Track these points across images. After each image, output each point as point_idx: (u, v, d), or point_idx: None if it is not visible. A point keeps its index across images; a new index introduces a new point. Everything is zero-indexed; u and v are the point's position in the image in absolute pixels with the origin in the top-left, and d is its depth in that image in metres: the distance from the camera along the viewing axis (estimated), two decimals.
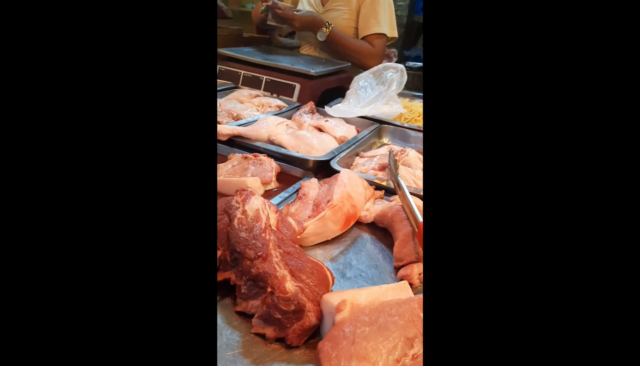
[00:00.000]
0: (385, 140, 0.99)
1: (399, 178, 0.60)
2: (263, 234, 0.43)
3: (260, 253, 0.40)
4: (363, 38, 1.39)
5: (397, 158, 0.73)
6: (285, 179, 0.71)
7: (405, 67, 1.10)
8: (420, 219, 0.49)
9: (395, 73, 1.08)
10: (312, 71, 1.09)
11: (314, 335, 0.38)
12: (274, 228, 0.47)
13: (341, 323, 0.34)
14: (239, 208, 0.46)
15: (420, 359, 0.32)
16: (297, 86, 1.10)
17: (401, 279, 0.48)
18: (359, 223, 0.60)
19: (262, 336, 0.37)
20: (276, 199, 0.60)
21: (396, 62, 1.52)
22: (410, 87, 1.27)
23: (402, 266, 0.49)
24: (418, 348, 0.33)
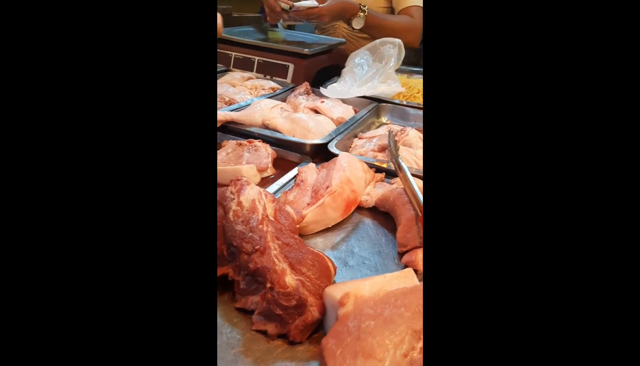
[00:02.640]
0: (384, 119, 0.96)
1: (400, 160, 0.57)
2: (260, 226, 0.41)
3: (257, 247, 0.38)
4: (400, 13, 1.19)
5: (397, 139, 0.70)
6: (282, 165, 0.68)
7: None
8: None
9: (392, 48, 1.03)
10: (306, 50, 1.05)
11: (317, 329, 0.37)
12: (272, 218, 0.45)
13: (345, 318, 0.33)
14: (233, 199, 0.44)
15: None
16: (291, 66, 1.06)
17: (405, 266, 0.46)
18: (359, 208, 0.58)
19: (264, 333, 0.36)
20: (273, 187, 0.58)
21: None
22: (407, 62, 1.22)
23: (406, 251, 0.48)
24: None
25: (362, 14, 1.07)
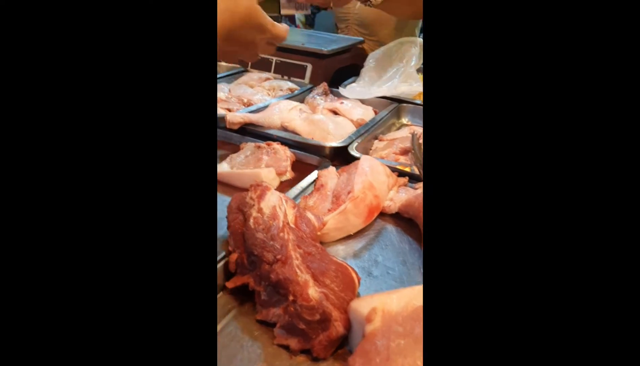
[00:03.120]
0: (404, 120, 0.93)
1: None
2: (281, 234, 0.40)
3: (279, 256, 0.37)
4: None
5: (420, 141, 0.68)
6: (300, 168, 0.67)
7: None
8: None
9: (414, 47, 1.00)
10: (324, 49, 1.03)
11: (342, 344, 0.35)
12: (292, 225, 0.43)
13: (372, 336, 0.31)
14: (254, 205, 0.43)
15: None
16: (309, 67, 1.04)
17: None
18: (382, 214, 0.56)
19: (286, 347, 0.34)
20: (293, 191, 0.57)
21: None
22: None
23: None
24: None
25: None
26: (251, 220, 0.41)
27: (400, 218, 0.55)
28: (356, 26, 1.32)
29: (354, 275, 0.39)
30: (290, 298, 0.34)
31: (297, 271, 0.36)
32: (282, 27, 0.61)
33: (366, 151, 0.73)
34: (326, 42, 1.14)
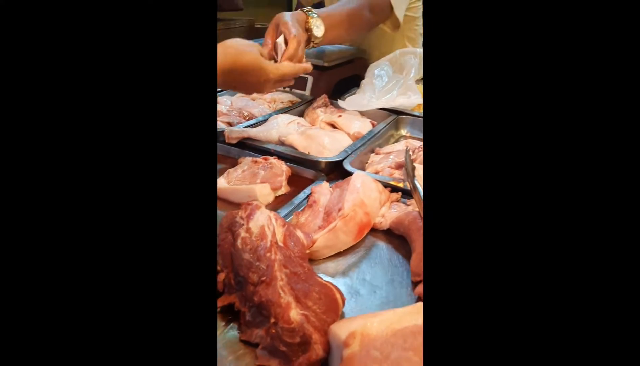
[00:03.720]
0: (403, 132, 0.94)
1: (415, 181, 0.55)
2: (268, 254, 0.41)
3: (263, 278, 0.38)
4: None
5: (414, 156, 0.68)
6: (297, 182, 0.68)
7: None
8: None
9: (414, 58, 1.01)
10: (325, 62, 1.04)
11: None
12: (281, 244, 0.44)
13: (349, 361, 0.31)
14: (243, 225, 0.44)
15: None
16: (310, 79, 1.05)
17: (419, 296, 0.44)
18: (374, 230, 0.56)
19: None
20: (285, 208, 0.58)
21: None
22: None
23: (420, 281, 0.46)
24: None
25: (312, 16, 0.75)
26: (239, 240, 0.42)
27: (392, 234, 0.56)
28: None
29: (338, 296, 0.40)
30: (272, 320, 0.35)
31: (281, 292, 0.37)
32: (288, 67, 0.64)
33: (362, 165, 0.74)
34: (328, 54, 1.15)
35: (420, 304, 0.39)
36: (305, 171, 0.71)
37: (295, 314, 0.35)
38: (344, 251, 0.52)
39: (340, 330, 0.34)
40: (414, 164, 0.58)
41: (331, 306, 0.38)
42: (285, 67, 0.67)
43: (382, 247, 0.54)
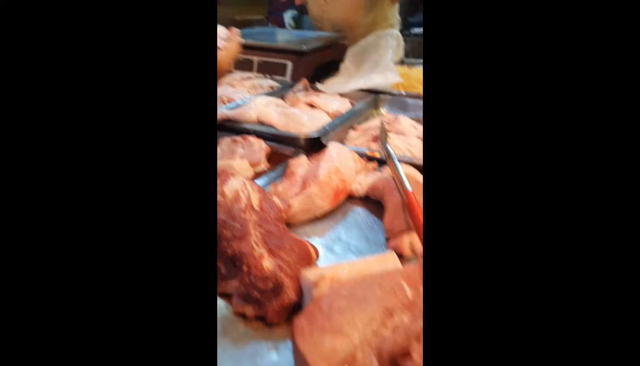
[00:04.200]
0: (382, 111, 0.95)
1: (388, 146, 0.57)
2: (243, 215, 0.42)
3: (237, 233, 0.39)
4: None
5: (388, 127, 0.70)
6: (276, 160, 0.69)
7: (410, 34, 1.04)
8: (408, 187, 0.47)
9: (390, 40, 1.03)
10: (304, 46, 1.06)
11: (296, 310, 0.37)
12: (257, 208, 0.46)
13: (318, 299, 0.33)
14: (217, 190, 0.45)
15: (401, 329, 0.30)
16: (289, 64, 1.07)
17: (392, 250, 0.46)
18: (352, 197, 0.58)
19: (243, 315, 0.36)
20: (263, 180, 0.59)
21: (400, 30, 1.41)
22: (416, 54, 1.20)
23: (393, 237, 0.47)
24: (398, 319, 0.31)
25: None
26: None
27: (369, 201, 0.57)
28: (330, 29, 1.35)
29: (311, 249, 0.41)
30: (245, 269, 0.36)
31: (254, 246, 0.38)
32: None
33: (341, 141, 0.75)
34: (308, 40, 1.17)
35: (389, 253, 0.41)
36: (284, 148, 0.72)
37: (268, 263, 0.37)
38: (322, 216, 0.54)
39: (312, 274, 0.36)
40: (387, 132, 0.60)
41: (304, 257, 0.39)
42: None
43: (359, 211, 0.55)
